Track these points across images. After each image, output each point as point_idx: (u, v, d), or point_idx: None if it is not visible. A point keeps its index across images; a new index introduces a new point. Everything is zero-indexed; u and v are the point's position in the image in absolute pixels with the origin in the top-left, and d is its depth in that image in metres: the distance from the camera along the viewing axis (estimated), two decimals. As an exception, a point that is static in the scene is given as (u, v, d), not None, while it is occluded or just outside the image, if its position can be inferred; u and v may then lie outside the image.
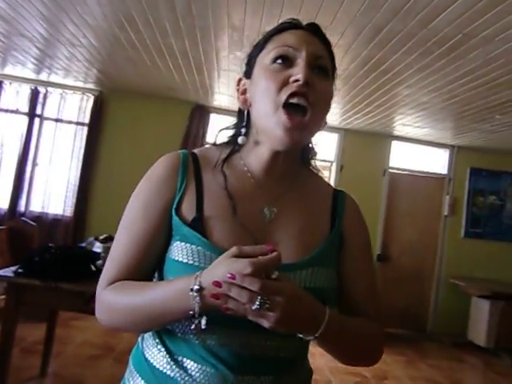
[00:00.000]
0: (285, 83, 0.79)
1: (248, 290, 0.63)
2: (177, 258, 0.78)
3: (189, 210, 0.81)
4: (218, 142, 0.95)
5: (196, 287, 0.67)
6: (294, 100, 0.78)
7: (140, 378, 0.82)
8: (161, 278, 0.83)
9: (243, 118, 0.90)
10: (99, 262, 2.60)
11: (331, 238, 0.87)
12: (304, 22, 0.88)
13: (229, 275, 0.63)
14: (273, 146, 0.83)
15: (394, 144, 5.81)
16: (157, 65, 4.03)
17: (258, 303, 0.63)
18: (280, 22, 0.90)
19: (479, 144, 5.51)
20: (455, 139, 5.51)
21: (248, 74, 0.88)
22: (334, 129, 5.80)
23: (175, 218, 0.81)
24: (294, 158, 0.90)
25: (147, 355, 0.83)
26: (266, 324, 0.66)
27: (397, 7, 2.41)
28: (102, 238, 2.82)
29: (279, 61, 0.81)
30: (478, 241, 5.74)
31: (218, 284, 0.64)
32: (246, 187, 0.86)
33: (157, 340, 0.83)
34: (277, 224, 0.84)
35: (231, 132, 0.95)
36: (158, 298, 0.73)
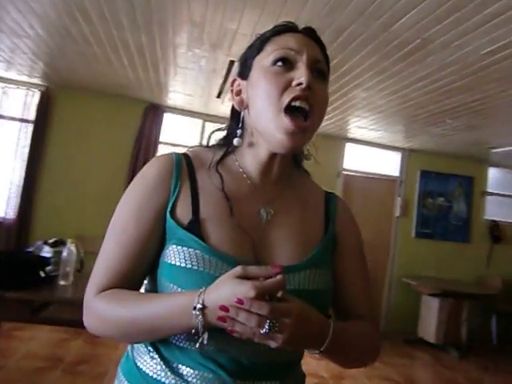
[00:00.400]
0: (287, 86, 0.79)
1: (256, 314, 0.63)
2: (173, 262, 0.76)
3: (184, 212, 0.80)
4: (207, 144, 0.94)
5: (199, 306, 0.66)
6: (296, 103, 0.78)
7: None
8: (153, 282, 0.81)
9: (238, 120, 0.89)
10: (49, 268, 2.42)
11: (326, 240, 0.88)
12: (287, 23, 0.89)
13: (236, 300, 0.63)
14: (272, 149, 0.83)
15: (349, 146, 5.91)
16: (110, 60, 3.84)
17: (267, 327, 0.63)
18: (275, 24, 0.89)
19: (430, 147, 5.71)
20: (407, 142, 5.67)
21: (244, 75, 0.87)
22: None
23: (170, 221, 0.79)
24: (289, 160, 0.91)
25: (139, 363, 0.81)
26: (272, 344, 0.66)
27: (360, 9, 2.41)
28: (51, 241, 2.63)
29: (280, 63, 0.80)
30: (427, 241, 5.95)
31: (224, 309, 0.64)
32: (241, 189, 0.85)
33: (149, 348, 0.81)
34: (273, 225, 0.84)
35: (215, 133, 0.94)
36: (158, 313, 0.71)
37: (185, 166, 0.84)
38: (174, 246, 0.77)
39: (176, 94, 4.77)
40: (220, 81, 3.99)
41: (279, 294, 0.66)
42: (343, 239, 0.91)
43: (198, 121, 5.64)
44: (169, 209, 0.79)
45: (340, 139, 5.85)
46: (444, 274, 5.83)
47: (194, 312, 0.67)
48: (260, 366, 0.77)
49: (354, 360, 0.88)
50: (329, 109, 3.58)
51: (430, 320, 5.23)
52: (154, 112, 5.27)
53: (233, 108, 0.92)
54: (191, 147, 0.93)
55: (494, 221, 6.27)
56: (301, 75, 0.78)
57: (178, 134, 5.67)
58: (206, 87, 4.31)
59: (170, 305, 0.71)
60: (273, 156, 0.85)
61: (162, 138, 5.37)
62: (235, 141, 0.87)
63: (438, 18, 2.43)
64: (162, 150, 5.77)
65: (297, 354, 0.85)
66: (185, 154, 0.87)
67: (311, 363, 4.03)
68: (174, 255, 0.76)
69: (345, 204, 0.98)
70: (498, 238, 6.14)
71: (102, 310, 0.77)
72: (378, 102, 4.03)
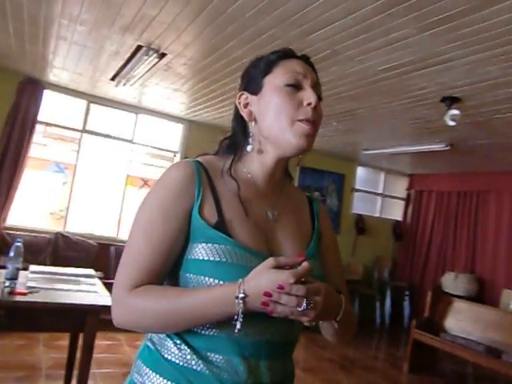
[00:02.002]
0: (298, 105, 0.93)
1: (295, 295, 0.75)
2: (206, 258, 0.85)
3: (210, 214, 0.89)
4: (216, 151, 1.04)
5: (241, 295, 0.76)
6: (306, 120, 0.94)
7: (158, 376, 0.87)
8: (173, 278, 0.90)
9: (244, 129, 1.00)
10: None
11: (315, 237, 1.03)
12: None
13: (277, 286, 0.74)
14: (284, 153, 0.95)
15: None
16: (-10, 26, 3.36)
17: (305, 305, 0.75)
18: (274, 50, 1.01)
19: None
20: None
21: (254, 91, 0.98)
22: (179, 119, 5.76)
23: (200, 222, 0.88)
24: (284, 168, 1.04)
25: (166, 355, 0.88)
26: (305, 319, 0.77)
27: (284, 16, 2.52)
28: None
29: (291, 85, 0.94)
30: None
31: (269, 294, 0.75)
32: (250, 192, 0.97)
33: (175, 340, 0.88)
34: (278, 225, 0.98)
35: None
36: (201, 304, 0.80)
37: (203, 173, 0.93)
38: (204, 244, 0.86)
39: (63, 72, 4.36)
40: (120, 63, 3.77)
41: (303, 279, 0.78)
42: (325, 235, 1.07)
43: (82, 101, 5.26)
44: (197, 210, 0.89)
45: (229, 131, 5.96)
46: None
47: (236, 301, 0.77)
48: (277, 346, 0.90)
49: (350, 332, 1.01)
50: (218, 99, 3.73)
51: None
52: (32, 87, 4.75)
53: (237, 120, 1.02)
54: (200, 155, 1.01)
55: (359, 214, 7.05)
56: (310, 96, 0.93)
57: (59, 114, 5.21)
58: (101, 68, 4.03)
59: (212, 296, 0.80)
60: (278, 162, 0.97)
61: (41, 117, 4.88)
62: (249, 148, 0.98)
63: (349, 35, 2.66)
64: (41, 130, 5.25)
65: (299, 332, 0.98)
66: (198, 162, 0.95)
67: (126, 352, 4.04)
68: (205, 252, 0.85)
69: (322, 206, 1.14)
70: (362, 230, 6.92)
71: (142, 305, 0.84)
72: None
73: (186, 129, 5.85)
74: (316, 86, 0.96)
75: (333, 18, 2.47)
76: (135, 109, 5.54)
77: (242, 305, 0.77)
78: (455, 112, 3.50)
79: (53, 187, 5.68)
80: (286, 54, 0.99)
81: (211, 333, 0.86)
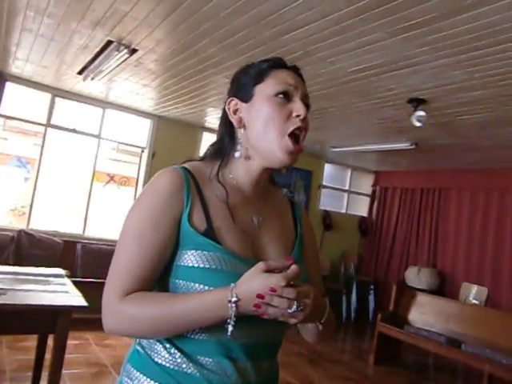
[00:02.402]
0: (288, 116, 0.95)
1: (286, 298, 0.78)
2: (195, 265, 0.87)
3: (199, 221, 0.91)
4: (203, 157, 1.04)
5: (234, 299, 0.79)
6: (297, 131, 0.96)
7: (149, 379, 0.89)
8: (162, 285, 0.91)
9: (232, 136, 1.01)
10: None
11: (298, 241, 1.06)
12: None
13: (269, 288, 0.77)
14: (268, 164, 0.98)
15: (206, 135, 6.04)
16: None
17: (295, 307, 0.79)
18: (264, 59, 1.02)
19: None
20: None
21: (244, 98, 0.99)
22: (147, 114, 5.68)
23: (189, 229, 0.89)
24: (269, 175, 1.06)
25: (157, 359, 0.90)
26: (293, 321, 0.82)
27: (260, 16, 2.53)
28: None
29: (281, 96, 0.96)
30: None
31: (261, 296, 0.78)
32: (237, 198, 0.98)
33: (165, 344, 0.90)
34: (263, 230, 1.00)
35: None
36: (194, 309, 0.82)
37: (191, 180, 0.94)
38: (194, 251, 0.88)
39: (26, 64, 4.21)
40: (89, 58, 3.68)
41: (291, 282, 0.81)
42: (306, 239, 1.10)
43: (47, 95, 5.09)
44: (186, 218, 0.90)
45: (198, 127, 5.96)
46: (286, 258, 6.43)
47: (229, 305, 0.79)
48: (263, 347, 0.94)
49: (330, 331, 1.04)
50: (188, 96, 3.70)
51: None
52: (-7, 79, 4.56)
53: (225, 125, 1.02)
54: (186, 161, 1.01)
55: (326, 210, 7.17)
56: (299, 108, 0.95)
57: (22, 108, 5.03)
58: (68, 62, 3.92)
59: (205, 300, 0.82)
60: (265, 170, 1.00)
61: (2, 110, 4.70)
62: (237, 154, 0.99)
63: (322, 37, 2.70)
64: (0, 123, 5.05)
65: (283, 334, 1.02)
66: (186, 168, 0.96)
67: (94, 351, 4.01)
68: (195, 258, 0.87)
69: (304, 210, 1.17)
70: (328, 226, 7.04)
71: (135, 312, 0.85)
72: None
73: (155, 124, 5.77)
74: (305, 98, 0.98)
75: (308, 19, 2.50)
76: (102, 103, 5.42)
77: (234, 308, 0.79)
78: (421, 113, 3.62)
79: (14, 183, 5.49)
80: (276, 64, 1.00)
81: (201, 337, 0.88)
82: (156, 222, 0.88)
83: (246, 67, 1.03)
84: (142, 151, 5.89)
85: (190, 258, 0.88)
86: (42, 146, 5.19)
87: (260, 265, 0.81)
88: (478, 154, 5.35)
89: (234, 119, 0.99)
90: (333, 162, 7.12)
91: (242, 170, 1.00)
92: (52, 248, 4.87)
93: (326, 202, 7.27)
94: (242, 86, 1.00)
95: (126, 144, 5.87)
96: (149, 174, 5.62)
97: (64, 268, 3.31)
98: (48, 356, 2.47)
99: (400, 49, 2.72)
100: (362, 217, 7.71)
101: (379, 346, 4.88)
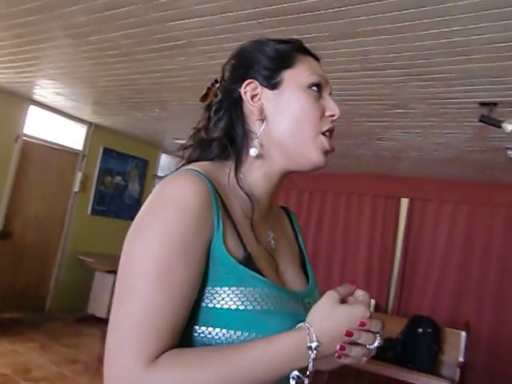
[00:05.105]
0: (322, 114, 0.81)
1: (372, 332, 0.66)
2: (241, 307, 0.66)
3: (235, 247, 0.70)
4: (212, 157, 0.82)
5: (315, 344, 0.63)
6: (327, 133, 0.82)
7: None
8: (185, 335, 0.67)
9: (247, 128, 0.80)
10: None
11: (306, 257, 0.93)
12: None
13: (359, 322, 0.64)
14: (295, 166, 0.81)
15: (32, 109, 5.22)
16: None
17: (378, 341, 0.66)
18: (282, 39, 0.84)
19: (118, 127, 5.77)
20: (95, 117, 5.53)
21: (269, 83, 0.80)
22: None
23: (228, 258, 0.68)
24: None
25: None
26: (365, 360, 0.68)
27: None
28: None
29: (315, 88, 0.80)
30: (102, 218, 6.03)
31: (350, 334, 0.64)
32: (251, 209, 0.78)
33: None
34: (278, 250, 0.83)
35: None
36: (259, 362, 0.63)
37: (216, 191, 0.72)
38: (235, 288, 0.67)
39: None
40: None
41: None
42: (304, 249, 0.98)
43: None
44: (221, 243, 0.68)
45: (23, 99, 5.09)
46: (118, 251, 6.04)
47: (310, 352, 0.63)
48: None
49: None
50: (15, 57, 3.16)
51: (103, 296, 5.36)
52: None
53: (236, 113, 0.81)
54: (189, 162, 0.79)
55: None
56: (334, 108, 0.81)
57: None
58: None
59: (276, 350, 0.63)
60: (285, 174, 0.82)
61: None
62: (252, 151, 0.78)
63: (212, 32, 2.62)
64: None
65: None
66: (204, 175, 0.72)
67: None
68: (240, 298, 0.67)
69: (295, 215, 1.01)
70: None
71: (182, 379, 0.61)
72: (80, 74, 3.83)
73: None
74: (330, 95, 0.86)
75: (203, 11, 2.38)
76: None
77: (314, 355, 0.63)
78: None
79: None
80: (300, 48, 0.84)
81: None
82: (188, 253, 0.65)
83: (259, 44, 0.83)
84: None
85: (231, 297, 0.67)
86: None
87: (332, 294, 0.67)
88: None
89: (254, 107, 0.79)
90: (171, 153, 6.99)
91: (260, 174, 0.80)
92: None
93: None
94: (263, 68, 0.80)
95: None
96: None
97: None
98: None
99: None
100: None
101: None
